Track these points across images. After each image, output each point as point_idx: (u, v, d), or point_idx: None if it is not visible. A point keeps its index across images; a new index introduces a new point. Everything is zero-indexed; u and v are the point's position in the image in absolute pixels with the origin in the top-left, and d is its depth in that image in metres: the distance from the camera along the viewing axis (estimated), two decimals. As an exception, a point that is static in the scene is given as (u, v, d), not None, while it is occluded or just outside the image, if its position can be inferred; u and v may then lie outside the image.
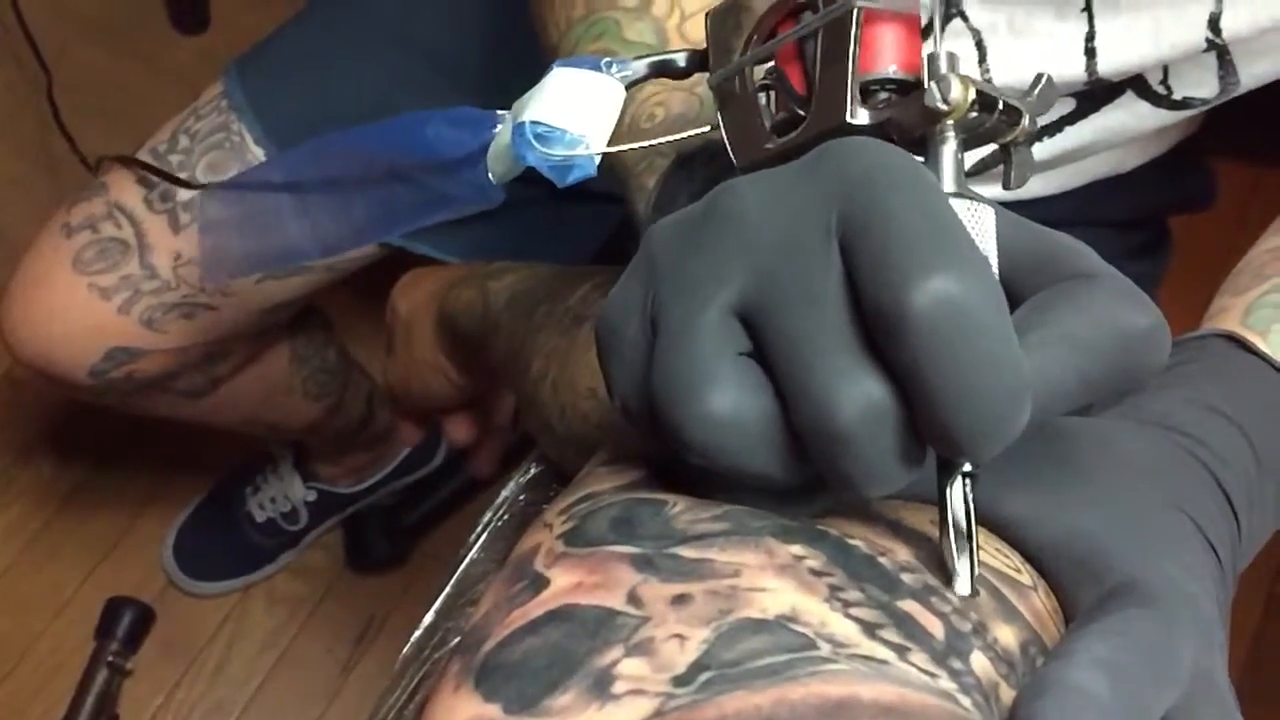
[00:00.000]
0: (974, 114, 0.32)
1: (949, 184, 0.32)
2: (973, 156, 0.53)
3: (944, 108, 0.32)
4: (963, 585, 0.30)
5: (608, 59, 0.40)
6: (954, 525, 0.30)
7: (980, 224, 0.32)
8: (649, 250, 0.32)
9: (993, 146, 0.35)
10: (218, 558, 1.41)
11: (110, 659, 1.30)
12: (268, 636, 1.40)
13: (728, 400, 0.29)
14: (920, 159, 0.31)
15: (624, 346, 0.31)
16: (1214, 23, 0.56)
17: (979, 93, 0.32)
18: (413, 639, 0.53)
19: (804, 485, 0.30)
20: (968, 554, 0.30)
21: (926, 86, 0.32)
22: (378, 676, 1.37)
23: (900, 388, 0.27)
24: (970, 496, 0.30)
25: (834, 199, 0.29)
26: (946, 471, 0.30)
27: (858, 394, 0.27)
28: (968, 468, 0.30)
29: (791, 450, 0.29)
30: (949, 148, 0.33)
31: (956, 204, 0.31)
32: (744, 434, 0.29)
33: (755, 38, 0.38)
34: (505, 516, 0.59)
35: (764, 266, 0.29)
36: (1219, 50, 0.60)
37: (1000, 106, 0.33)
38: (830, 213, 0.28)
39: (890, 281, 0.27)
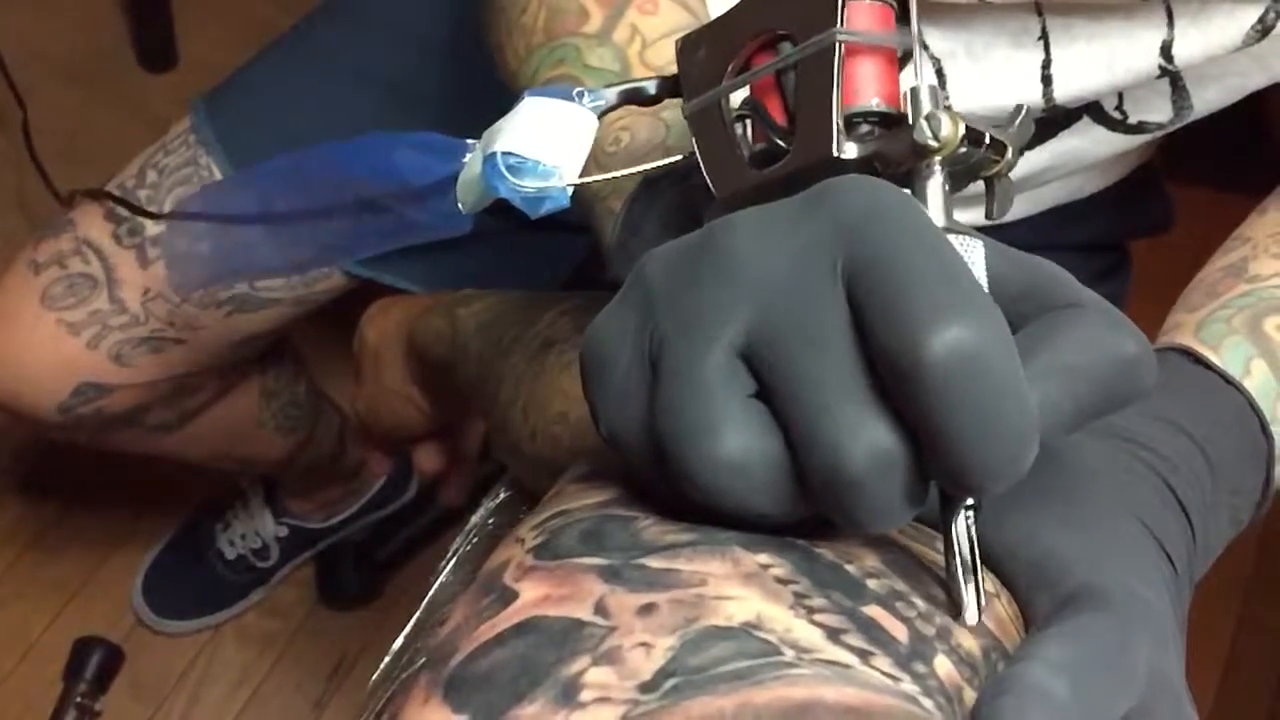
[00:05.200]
0: (963, 149, 0.33)
1: (938, 218, 0.33)
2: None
3: (934, 144, 0.32)
4: (970, 615, 0.30)
5: (579, 89, 0.40)
6: (960, 557, 0.30)
7: (972, 258, 0.32)
8: (645, 281, 0.32)
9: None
10: (188, 596, 1.40)
11: (79, 700, 1.29)
12: (239, 674, 1.39)
13: (740, 444, 0.29)
14: (906, 191, 0.32)
15: (614, 375, 0.31)
16: (1166, 50, 0.57)
17: (968, 128, 0.33)
18: (382, 665, 0.54)
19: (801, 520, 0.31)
20: (973, 584, 0.30)
21: (916, 123, 0.32)
22: (351, 713, 1.36)
23: (909, 432, 0.28)
24: (974, 529, 0.30)
25: (838, 241, 0.29)
26: (950, 505, 0.30)
27: (868, 442, 0.28)
28: (970, 500, 0.30)
29: (797, 491, 0.29)
30: (935, 181, 0.33)
31: (950, 239, 0.31)
32: (754, 477, 0.29)
33: (732, 67, 0.38)
34: (475, 540, 0.60)
35: (769, 307, 0.29)
36: (1172, 76, 0.61)
37: (987, 141, 0.34)
38: (835, 255, 0.29)
39: (903, 330, 0.27)
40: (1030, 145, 0.65)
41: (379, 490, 1.42)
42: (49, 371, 0.89)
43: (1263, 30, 0.55)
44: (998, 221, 0.46)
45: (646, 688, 0.26)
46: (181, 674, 1.38)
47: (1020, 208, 0.74)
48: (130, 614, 1.39)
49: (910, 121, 0.33)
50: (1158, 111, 0.63)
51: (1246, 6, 0.54)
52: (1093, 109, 0.64)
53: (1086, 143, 0.65)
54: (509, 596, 0.30)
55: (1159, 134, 0.65)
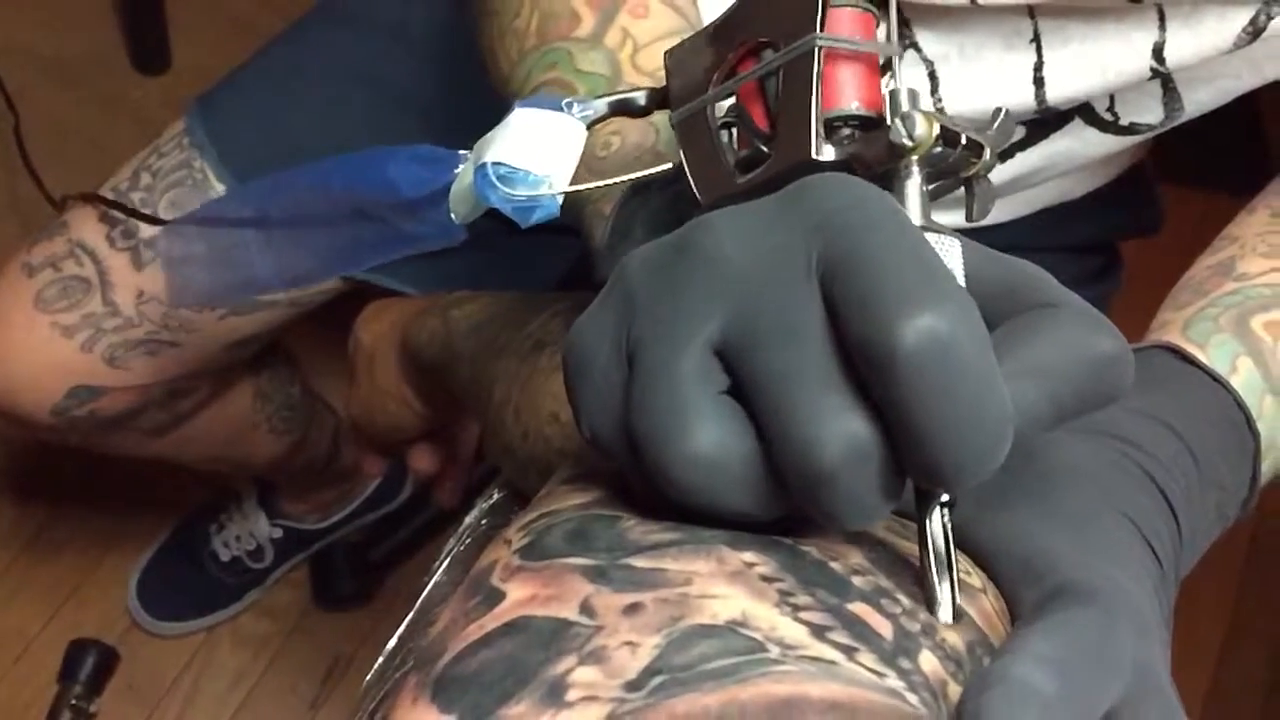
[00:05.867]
0: (938, 149, 0.33)
1: (915, 218, 0.33)
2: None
3: (909, 144, 0.32)
4: (945, 612, 0.30)
5: (569, 99, 0.40)
6: (934, 553, 0.30)
7: (949, 257, 0.32)
8: (624, 282, 0.32)
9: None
10: (182, 598, 1.40)
11: (74, 702, 1.29)
12: (234, 676, 1.39)
13: (712, 440, 0.29)
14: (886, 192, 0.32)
15: (595, 375, 0.31)
16: (1158, 51, 0.57)
17: (943, 128, 0.33)
18: (375, 665, 0.54)
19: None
20: (948, 580, 0.30)
21: (890, 123, 0.33)
22: (346, 714, 1.36)
23: (883, 424, 0.28)
24: (949, 524, 0.30)
25: (813, 237, 0.29)
26: (925, 500, 0.30)
27: (841, 433, 0.27)
28: (945, 497, 0.30)
29: (772, 488, 0.29)
30: (914, 182, 0.33)
31: (927, 238, 0.31)
32: (727, 474, 0.29)
33: (717, 75, 0.38)
34: (468, 541, 0.60)
35: (744, 304, 0.29)
36: (1163, 78, 0.61)
37: (963, 141, 0.34)
38: (810, 251, 0.29)
39: (878, 319, 0.27)
40: (1022, 146, 0.66)
41: (373, 492, 1.42)
42: (42, 374, 0.89)
43: (1254, 32, 0.55)
44: (988, 223, 0.46)
45: (632, 686, 0.26)
46: (176, 676, 1.38)
47: (1011, 209, 0.74)
48: (125, 616, 1.39)
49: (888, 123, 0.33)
50: (1149, 113, 0.64)
51: (1238, 8, 0.55)
52: (1084, 110, 0.64)
53: (1078, 144, 0.66)
54: (496, 597, 0.30)
55: (1150, 135, 0.65)
